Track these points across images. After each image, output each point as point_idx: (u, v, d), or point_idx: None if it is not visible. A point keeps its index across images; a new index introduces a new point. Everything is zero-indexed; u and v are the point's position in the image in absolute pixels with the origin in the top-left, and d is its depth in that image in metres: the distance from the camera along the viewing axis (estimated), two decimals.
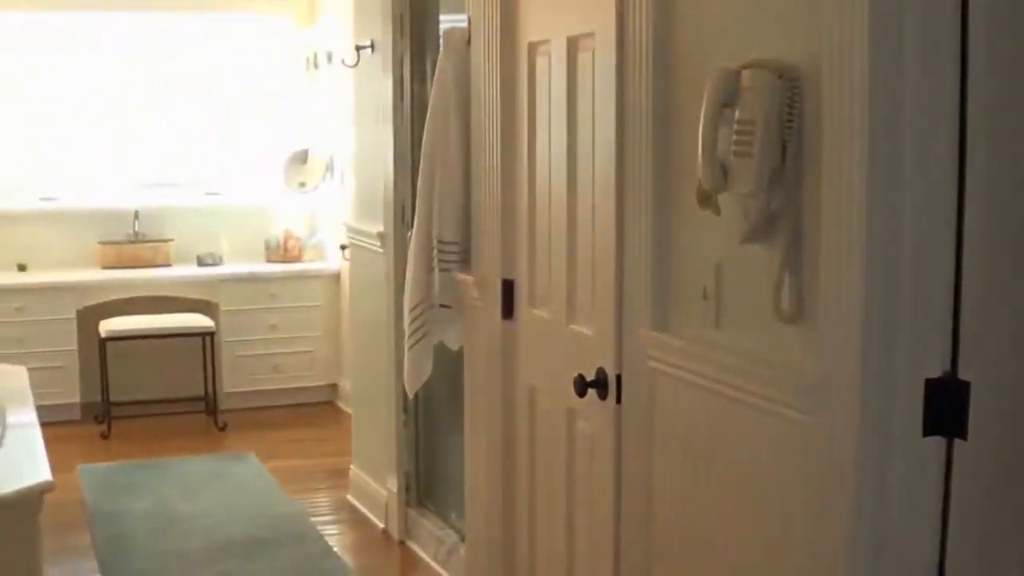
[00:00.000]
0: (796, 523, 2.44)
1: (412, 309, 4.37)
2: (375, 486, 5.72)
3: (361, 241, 5.80)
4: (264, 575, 5.02)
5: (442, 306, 4.30)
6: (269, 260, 8.20)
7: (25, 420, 4.82)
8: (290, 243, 8.20)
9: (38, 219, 7.96)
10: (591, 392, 3.22)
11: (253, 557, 5.19)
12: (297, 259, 8.17)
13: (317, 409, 7.91)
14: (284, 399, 7.94)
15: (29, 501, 3.90)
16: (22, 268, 7.77)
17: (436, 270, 4.26)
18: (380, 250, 5.52)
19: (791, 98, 2.38)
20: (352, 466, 6.07)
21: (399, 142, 5.33)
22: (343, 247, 6.58)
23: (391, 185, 5.38)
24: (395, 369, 5.31)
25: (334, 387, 8.04)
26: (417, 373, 4.46)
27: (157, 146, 8.29)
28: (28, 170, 8.03)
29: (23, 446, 4.44)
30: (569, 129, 3.39)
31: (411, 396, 4.96)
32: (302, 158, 8.18)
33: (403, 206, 5.31)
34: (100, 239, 7.97)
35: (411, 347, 4.42)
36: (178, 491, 6.10)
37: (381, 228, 5.50)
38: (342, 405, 7.84)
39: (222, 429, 7.44)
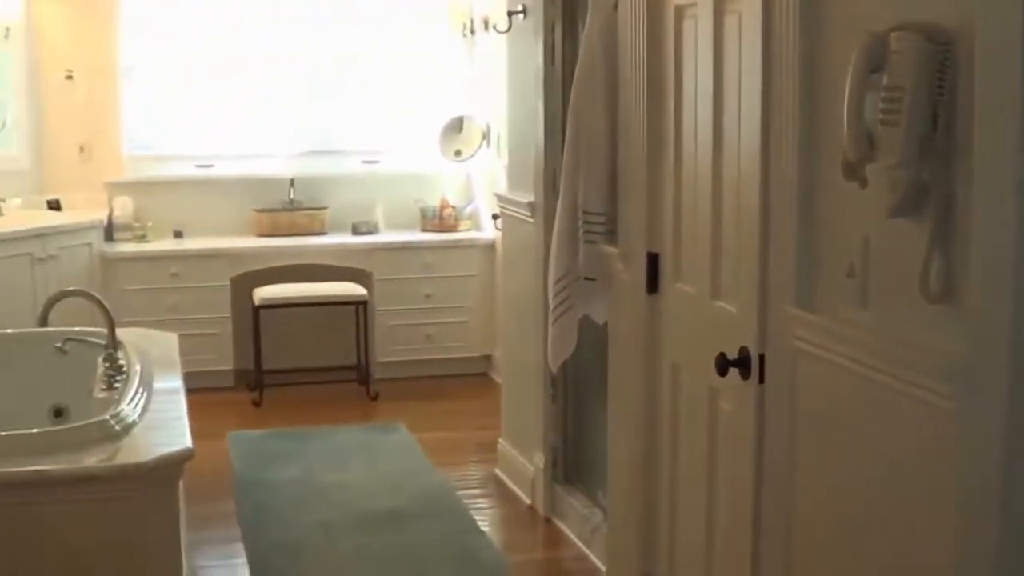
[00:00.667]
0: (941, 512, 2.34)
1: (556, 281, 4.33)
2: (522, 461, 5.71)
3: (512, 211, 5.77)
4: (405, 549, 5.05)
5: (587, 279, 4.25)
6: (424, 229, 8.23)
7: (171, 387, 4.91)
8: (446, 212, 8.22)
9: (195, 186, 8.11)
10: (733, 371, 3.14)
11: (396, 530, 5.22)
12: (453, 228, 8.18)
13: (470, 380, 7.93)
14: (437, 369, 7.98)
15: (169, 468, 3.97)
16: (178, 235, 7.94)
17: (581, 241, 4.21)
18: (531, 220, 5.48)
19: (942, 63, 2.27)
20: (501, 440, 6.06)
21: (550, 109, 5.29)
22: (495, 217, 6.56)
23: (541, 153, 5.34)
24: (544, 342, 5.27)
25: (488, 358, 8.05)
26: (560, 347, 4.42)
27: (314, 114, 8.38)
28: (186, 137, 8.21)
29: (168, 413, 4.52)
30: (715, 97, 3.31)
31: (553, 371, 4.92)
32: (458, 126, 8.19)
33: (554, 175, 5.26)
34: (256, 207, 8.10)
35: (555, 320, 4.38)
36: (326, 461, 6.18)
37: (532, 198, 5.46)
38: (495, 377, 7.83)
39: (374, 399, 7.50)
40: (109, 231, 7.78)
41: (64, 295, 5.16)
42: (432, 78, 8.41)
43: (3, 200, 7.32)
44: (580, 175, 4.19)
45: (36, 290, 6.85)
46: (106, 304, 4.98)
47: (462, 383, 7.87)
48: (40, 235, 6.99)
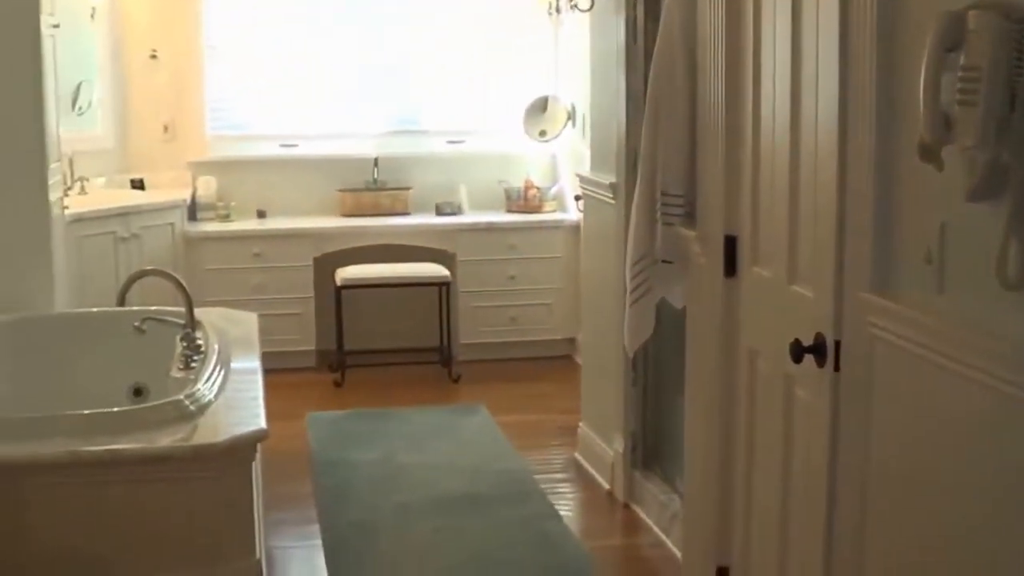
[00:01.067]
0: (1016, 502, 2.29)
1: (634, 264, 4.30)
2: (602, 445, 5.69)
3: (594, 192, 5.75)
4: (480, 533, 5.05)
5: (665, 261, 4.22)
6: (509, 210, 8.22)
7: (249, 367, 4.96)
8: (530, 193, 8.20)
9: (278, 166, 8.20)
10: (808, 358, 3.10)
11: (472, 513, 5.23)
12: (537, 209, 8.17)
13: (553, 363, 7.91)
14: (520, 352, 7.98)
15: (242, 449, 4.00)
16: (261, 215, 8.00)
17: (659, 223, 4.18)
18: (612, 201, 5.45)
19: (1020, 42, 2.20)
20: (581, 423, 6.05)
21: (631, 88, 5.24)
22: (577, 198, 6.53)
23: (623, 133, 5.30)
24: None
25: (572, 341, 8.03)
26: (637, 331, 4.39)
27: (399, 94, 8.43)
28: (270, 117, 8.30)
29: (244, 393, 4.57)
30: (792, 78, 3.26)
31: (630, 355, 4.90)
32: (542, 106, 8.16)
33: (635, 155, 5.21)
34: (339, 187, 8.14)
35: (632, 303, 4.36)
36: (405, 442, 6.20)
37: (613, 178, 5.43)
38: (579, 360, 7.80)
39: (455, 381, 7.52)
40: (192, 211, 7.86)
41: (142, 274, 5.23)
42: (517, 58, 8.41)
43: (87, 179, 7.42)
44: (659, 156, 4.16)
45: (119, 269, 6.94)
46: (184, 284, 5.04)
47: (545, 366, 7.86)
48: (123, 214, 7.08)
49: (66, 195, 7.08)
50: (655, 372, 5.37)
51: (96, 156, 7.74)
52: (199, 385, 4.42)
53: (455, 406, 6.98)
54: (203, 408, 4.25)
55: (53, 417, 4.17)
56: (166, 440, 3.94)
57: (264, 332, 7.24)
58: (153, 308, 5.73)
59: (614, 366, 5.48)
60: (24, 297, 5.72)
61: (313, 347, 7.78)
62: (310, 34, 8.20)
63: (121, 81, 7.97)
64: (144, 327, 5.14)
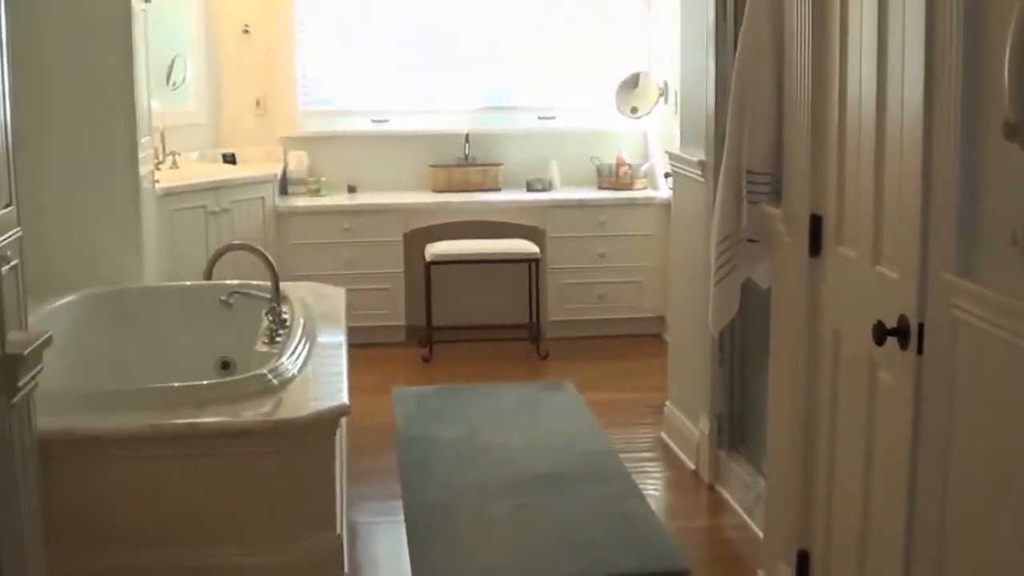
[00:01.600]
0: None
1: (719, 242, 4.27)
2: (688, 425, 5.66)
3: (683, 169, 5.70)
4: (563, 511, 5.04)
5: (750, 240, 4.18)
6: (600, 187, 8.19)
7: (334, 342, 5.00)
8: (622, 170, 8.16)
9: (369, 141, 8.24)
10: (891, 341, 3.04)
11: (554, 492, 5.22)
12: (628, 186, 8.13)
13: (643, 341, 7.88)
14: (609, 329, 7.96)
15: (323, 424, 4.03)
16: (352, 190, 8.05)
17: (745, 201, 4.14)
18: (701, 179, 5.41)
19: None
20: (667, 403, 6.02)
21: (721, 64, 5.19)
22: (667, 175, 6.49)
23: (712, 111, 5.25)
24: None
25: (661, 319, 7.98)
26: (721, 311, 4.36)
27: (490, 69, 8.43)
28: (361, 92, 8.34)
29: (328, 368, 4.60)
30: (879, 56, 3.20)
31: (714, 335, 4.86)
32: (634, 82, 8.11)
33: (724, 133, 5.17)
34: (430, 162, 8.15)
35: (717, 283, 4.32)
36: (490, 419, 6.21)
37: (702, 156, 5.38)
38: (668, 338, 7.77)
39: (544, 358, 7.51)
40: (283, 185, 7.93)
41: (229, 249, 5.28)
42: (609, 33, 8.36)
43: (179, 154, 7.50)
44: (745, 133, 4.12)
45: (209, 243, 7.01)
46: (271, 258, 5.07)
47: (634, 344, 7.83)
48: (214, 188, 7.15)
49: (158, 169, 7.18)
50: (741, 352, 5.32)
51: (189, 131, 7.83)
52: (283, 359, 4.46)
53: (542, 383, 6.98)
54: (286, 383, 4.29)
55: (137, 391, 4.24)
56: (248, 414, 3.98)
57: (353, 307, 7.31)
58: (239, 282, 5.80)
59: (700, 345, 5.44)
60: (115, 270, 5.80)
61: (403, 322, 7.82)
62: (401, 8, 8.21)
63: (214, 56, 8.05)
64: (231, 301, 5.20)
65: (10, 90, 3.61)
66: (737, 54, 4.26)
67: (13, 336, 3.29)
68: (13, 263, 3.62)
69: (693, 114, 5.63)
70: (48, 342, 3.40)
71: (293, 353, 4.61)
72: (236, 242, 5.82)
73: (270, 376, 4.25)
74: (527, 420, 6.21)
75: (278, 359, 4.45)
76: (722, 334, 5.14)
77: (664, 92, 7.95)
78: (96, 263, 5.77)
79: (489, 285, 8.04)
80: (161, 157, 7.36)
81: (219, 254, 5.12)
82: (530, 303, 7.74)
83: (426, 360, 7.45)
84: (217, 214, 7.12)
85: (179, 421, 3.91)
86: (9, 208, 3.65)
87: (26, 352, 3.24)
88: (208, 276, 5.11)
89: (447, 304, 7.82)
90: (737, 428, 5.36)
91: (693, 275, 5.54)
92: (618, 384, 6.98)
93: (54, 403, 3.86)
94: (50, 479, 3.66)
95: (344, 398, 4.16)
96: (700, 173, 5.39)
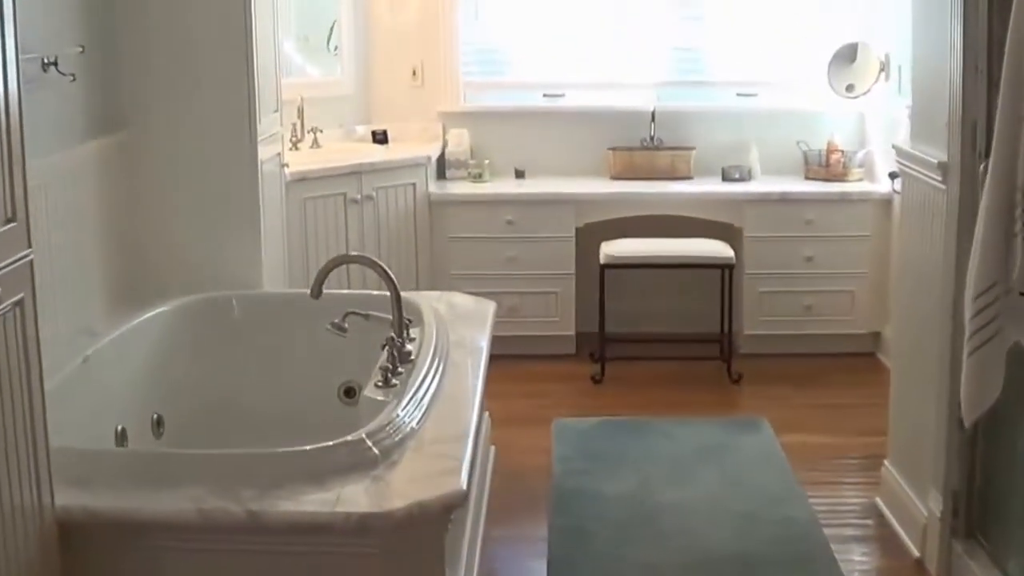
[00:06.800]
0: None
1: (978, 296, 3.13)
2: (912, 497, 4.51)
3: (915, 170, 4.54)
4: None
5: (1022, 293, 3.03)
6: (808, 177, 7.06)
7: (467, 387, 3.98)
8: (833, 158, 7.00)
9: (540, 118, 7.30)
10: None
11: None
12: (841, 177, 6.97)
13: (853, 363, 6.73)
14: (814, 347, 6.82)
15: (427, 519, 3.02)
16: (519, 175, 7.08)
17: (1019, 238, 2.99)
18: (941, 185, 4.24)
19: None
20: (886, 461, 4.86)
21: (971, 43, 3.99)
22: (893, 176, 5.33)
23: (958, 101, 4.06)
24: (949, 351, 4.09)
25: (876, 336, 6.82)
26: (979, 391, 3.23)
27: (681, 37, 7.35)
28: (533, 62, 7.40)
29: (452, 426, 3.58)
30: None
31: (967, 424, 3.70)
32: (850, 55, 6.93)
33: (974, 129, 4.00)
34: (610, 145, 7.14)
35: (972, 352, 3.19)
36: (667, 467, 5.17)
37: (943, 156, 4.21)
38: (885, 360, 6.61)
39: (736, 382, 6.41)
40: (441, 168, 6.99)
41: (342, 261, 4.36)
42: None
43: (320, 131, 6.60)
44: (1021, 146, 2.96)
45: (349, 236, 6.15)
46: (393, 276, 4.10)
47: (844, 366, 6.68)
48: (355, 172, 6.22)
49: (296, 148, 6.34)
50: (991, 414, 4.12)
51: (334, 103, 6.98)
52: (398, 412, 3.49)
53: (731, 419, 5.87)
54: (389, 451, 3.31)
55: (191, 457, 3.31)
56: (327, 499, 3.01)
57: (517, 313, 6.51)
58: (361, 292, 4.98)
59: (933, 397, 4.29)
60: (226, 273, 5.06)
61: (572, 331, 6.81)
62: None
63: (364, 18, 7.14)
64: (345, 325, 4.25)
65: (19, 89, 2.69)
66: (1011, 26, 3.10)
67: None
68: (17, 297, 2.72)
69: (929, 100, 4.44)
70: None
71: (411, 402, 3.63)
72: (352, 253, 4.97)
73: (369, 443, 3.28)
74: (712, 471, 5.13)
75: (387, 415, 3.48)
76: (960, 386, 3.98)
77: (885, 67, 6.76)
78: (203, 264, 5.00)
79: (673, 291, 7.06)
80: (299, 135, 6.48)
81: (329, 268, 4.17)
82: (722, 314, 6.61)
83: (596, 381, 6.41)
84: (358, 203, 6.19)
85: (235, 509, 2.96)
86: (12, 224, 2.72)
87: None
88: (316, 294, 4.15)
89: (624, 312, 6.82)
90: (978, 513, 4.17)
91: (924, 302, 4.40)
92: (823, 423, 5.83)
93: (82, 469, 3.09)
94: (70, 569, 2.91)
95: (462, 481, 3.15)
96: (940, 178, 4.22)
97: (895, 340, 5.11)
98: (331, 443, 3.26)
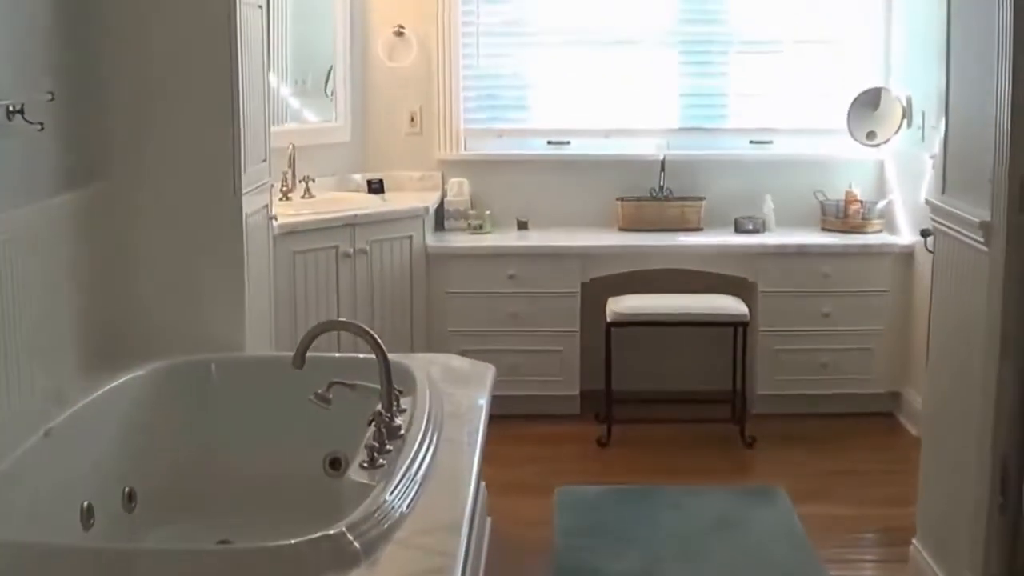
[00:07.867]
0: None
1: None
2: None
3: (953, 230, 4.17)
4: None
5: None
6: (824, 228, 6.73)
7: (461, 464, 3.61)
8: (852, 208, 6.67)
9: (544, 167, 6.98)
10: None
11: None
12: (859, 228, 6.63)
13: (872, 424, 6.37)
14: (830, 407, 6.47)
15: None
16: (522, 226, 6.73)
17: None
18: (982, 247, 3.87)
19: None
20: (915, 540, 4.48)
21: (1020, 89, 3.65)
22: (925, 234, 4.97)
23: (1005, 154, 3.71)
24: (992, 423, 3.74)
25: (896, 396, 6.46)
26: None
27: (691, 82, 7.04)
28: (536, 109, 7.11)
29: (445, 512, 3.22)
30: None
31: None
32: (874, 101, 6.59)
33: (1022, 186, 3.65)
34: (617, 195, 6.81)
35: None
36: (676, 543, 4.79)
37: (986, 215, 3.84)
38: (906, 423, 6.26)
39: (749, 446, 6.03)
40: (440, 218, 6.66)
41: (327, 328, 3.97)
42: (840, 39, 6.89)
43: (313, 180, 6.26)
44: None
45: (340, 292, 5.79)
46: (381, 344, 3.73)
47: (862, 427, 6.32)
48: (349, 224, 5.86)
49: (287, 198, 6.00)
50: None
51: (329, 150, 6.65)
52: (380, 499, 3.13)
53: (745, 488, 5.48)
54: (373, 544, 2.94)
55: (137, 552, 2.97)
56: None
57: (519, 371, 6.25)
58: (347, 354, 4.64)
59: (970, 469, 3.92)
60: (207, 334, 4.72)
61: (576, 391, 6.45)
62: (586, 9, 6.91)
63: (361, 61, 6.83)
64: (330, 395, 3.89)
65: None
66: None
67: None
68: None
69: (968, 152, 4.09)
70: None
71: (400, 484, 3.27)
72: (339, 319, 4.59)
73: (350, 537, 2.91)
74: (724, 548, 4.76)
75: (375, 500, 3.12)
76: (1006, 467, 3.64)
77: (907, 112, 6.43)
78: (181, 325, 4.67)
79: (683, 348, 6.72)
80: (291, 184, 6.14)
81: (312, 335, 3.79)
82: (734, 373, 6.25)
83: (602, 444, 6.04)
84: (351, 256, 5.83)
85: None
86: None
87: None
88: (299, 364, 3.79)
89: (630, 370, 6.48)
90: None
91: (962, 371, 4.04)
92: (843, 492, 5.45)
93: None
94: None
95: None
96: (982, 239, 3.86)
97: (925, 406, 4.74)
98: (306, 538, 2.89)
